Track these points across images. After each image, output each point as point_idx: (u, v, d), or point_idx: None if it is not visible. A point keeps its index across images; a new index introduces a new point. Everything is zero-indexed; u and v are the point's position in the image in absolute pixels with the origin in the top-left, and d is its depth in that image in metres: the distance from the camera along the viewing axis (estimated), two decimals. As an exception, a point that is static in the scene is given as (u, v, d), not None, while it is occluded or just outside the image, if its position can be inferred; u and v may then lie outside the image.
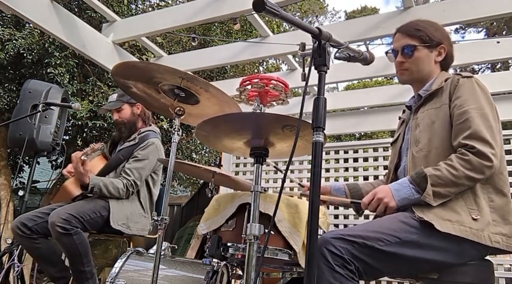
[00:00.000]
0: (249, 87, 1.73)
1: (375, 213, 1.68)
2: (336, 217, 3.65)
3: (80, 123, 4.94)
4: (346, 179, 3.83)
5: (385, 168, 3.40)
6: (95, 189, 2.34)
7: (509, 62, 11.17)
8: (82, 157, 2.22)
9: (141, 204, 2.59)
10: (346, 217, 3.63)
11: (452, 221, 1.32)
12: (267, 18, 4.94)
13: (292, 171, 3.97)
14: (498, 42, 3.10)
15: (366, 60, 1.31)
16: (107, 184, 2.40)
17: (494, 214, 1.37)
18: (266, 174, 4.02)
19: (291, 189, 3.88)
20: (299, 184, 1.86)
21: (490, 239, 1.32)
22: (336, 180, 4.12)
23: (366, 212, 1.81)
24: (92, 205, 2.39)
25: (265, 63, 8.18)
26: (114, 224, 2.39)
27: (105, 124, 4.95)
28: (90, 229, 2.41)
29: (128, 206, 2.50)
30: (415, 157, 1.49)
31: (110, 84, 5.24)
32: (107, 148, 2.81)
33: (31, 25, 4.79)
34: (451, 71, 1.71)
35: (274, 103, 1.81)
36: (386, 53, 1.70)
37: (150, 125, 2.79)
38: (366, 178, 3.71)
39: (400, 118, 1.82)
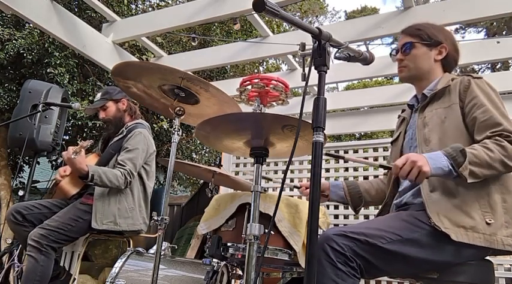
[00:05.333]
0: (249, 87, 1.73)
1: (377, 211, 1.70)
2: (336, 217, 3.65)
3: (80, 123, 4.94)
4: (346, 179, 3.83)
5: (385, 168, 3.40)
6: (95, 176, 2.32)
7: (509, 62, 11.17)
8: (72, 156, 2.22)
9: (133, 197, 2.56)
10: (346, 217, 3.63)
11: (466, 229, 1.31)
12: (267, 18, 4.94)
13: (292, 171, 3.97)
14: (498, 42, 3.11)
15: (366, 60, 1.31)
16: (105, 171, 2.39)
17: (507, 215, 1.36)
18: (266, 174, 4.01)
19: (291, 189, 3.88)
20: (294, 186, 1.86)
21: (503, 242, 1.31)
22: (336, 180, 4.12)
23: (365, 212, 1.81)
24: (71, 214, 2.39)
25: (265, 63, 8.17)
26: (97, 224, 2.37)
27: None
28: (77, 236, 2.42)
29: (116, 202, 2.46)
30: None
31: (110, 84, 5.24)
32: (99, 148, 2.80)
33: (31, 25, 4.79)
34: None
35: (274, 103, 1.80)
36: (391, 53, 1.72)
37: (138, 118, 2.79)
38: (366, 178, 3.70)
39: (399, 116, 1.82)
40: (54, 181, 2.71)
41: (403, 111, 1.81)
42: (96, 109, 2.70)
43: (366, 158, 3.66)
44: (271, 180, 1.97)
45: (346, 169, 3.78)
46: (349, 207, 1.83)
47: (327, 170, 3.79)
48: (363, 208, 1.87)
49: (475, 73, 1.58)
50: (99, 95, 2.72)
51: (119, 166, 2.47)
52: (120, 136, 2.64)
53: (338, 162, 3.78)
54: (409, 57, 1.63)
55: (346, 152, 3.78)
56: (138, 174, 2.60)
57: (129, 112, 2.76)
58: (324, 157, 1.06)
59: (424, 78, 1.64)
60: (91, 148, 3.20)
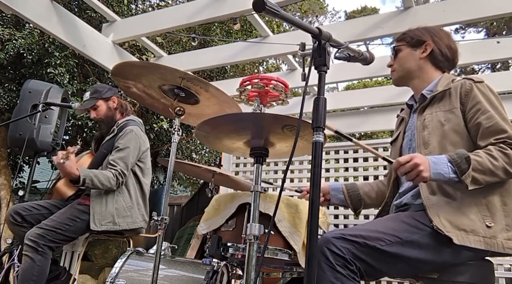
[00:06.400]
0: (249, 87, 1.74)
1: (378, 210, 1.70)
2: (336, 217, 3.65)
3: (80, 123, 4.94)
4: (346, 179, 3.83)
5: (385, 168, 3.40)
6: (86, 180, 2.31)
7: (509, 62, 11.17)
8: (61, 161, 2.21)
9: (130, 195, 2.54)
10: (346, 217, 3.63)
11: (467, 232, 1.31)
12: (267, 18, 4.94)
13: (292, 171, 3.97)
14: (498, 42, 3.10)
15: (366, 60, 1.31)
16: (97, 174, 2.37)
17: (508, 218, 1.36)
18: (266, 174, 4.01)
19: (290, 190, 3.88)
20: (296, 190, 1.86)
21: (503, 245, 1.32)
22: (336, 180, 4.12)
23: (366, 212, 1.81)
24: (69, 214, 2.38)
25: (265, 63, 8.18)
26: (96, 226, 2.36)
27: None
28: (74, 235, 2.42)
29: (113, 203, 2.45)
30: None
31: (110, 84, 5.24)
32: (92, 148, 2.78)
33: (31, 25, 4.79)
34: (451, 71, 1.71)
35: (274, 103, 1.81)
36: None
37: (129, 115, 2.75)
38: (366, 178, 3.70)
39: (398, 116, 1.82)
40: (54, 181, 2.71)
41: (401, 110, 1.81)
42: (86, 109, 2.67)
43: (366, 159, 3.66)
44: (271, 184, 1.96)
45: (346, 169, 3.77)
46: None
47: (327, 170, 3.78)
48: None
49: (476, 76, 1.57)
50: (88, 94, 2.67)
51: (110, 166, 2.45)
52: (111, 135, 2.61)
53: (338, 162, 3.77)
54: (396, 61, 1.69)
55: (346, 152, 3.78)
56: (132, 171, 2.58)
57: (120, 110, 2.73)
58: (324, 156, 1.06)
59: (414, 76, 1.66)
60: (88, 148, 3.20)
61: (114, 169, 2.43)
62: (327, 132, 1.10)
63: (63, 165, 2.22)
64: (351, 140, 1.31)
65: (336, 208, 3.58)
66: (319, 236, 1.10)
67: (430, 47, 1.63)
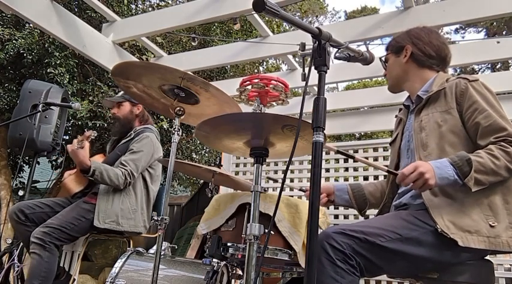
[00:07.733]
0: (249, 87, 1.74)
1: (377, 210, 1.69)
2: (336, 217, 3.65)
3: (80, 123, 4.93)
4: (346, 179, 3.83)
5: (385, 168, 3.39)
6: (96, 172, 2.34)
7: (509, 62, 11.18)
8: (76, 147, 2.24)
9: (136, 199, 2.56)
10: (346, 217, 3.63)
11: (471, 233, 1.31)
12: (267, 18, 4.94)
13: (292, 171, 3.97)
14: (498, 42, 3.10)
15: (366, 60, 1.31)
16: (107, 169, 2.40)
17: (511, 216, 1.36)
18: (266, 174, 4.01)
19: (291, 189, 3.88)
20: (300, 189, 1.86)
21: (508, 244, 1.31)
22: (336, 180, 4.12)
23: (367, 212, 1.82)
24: (75, 213, 2.40)
25: (265, 63, 8.17)
26: (100, 223, 2.38)
27: (105, 124, 4.95)
28: (78, 235, 2.43)
29: (119, 203, 2.48)
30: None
31: (110, 84, 5.24)
32: (107, 150, 2.83)
33: (31, 25, 4.79)
34: (450, 70, 1.71)
35: (274, 103, 1.81)
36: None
37: (147, 125, 2.81)
38: (366, 178, 3.71)
39: (396, 116, 1.82)
40: (54, 181, 2.71)
41: (400, 110, 1.81)
42: (113, 103, 2.75)
43: (367, 158, 3.66)
44: (276, 181, 1.97)
45: (346, 169, 3.77)
46: (350, 208, 1.83)
47: (327, 170, 3.79)
48: (365, 209, 1.86)
49: (471, 75, 1.57)
50: (121, 93, 2.77)
51: (121, 166, 2.49)
52: (128, 139, 2.67)
53: (338, 162, 3.77)
54: (387, 70, 1.75)
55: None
56: (142, 176, 2.62)
57: (140, 119, 2.79)
58: (324, 156, 1.06)
59: (404, 81, 1.69)
60: (97, 146, 3.21)
61: (124, 169, 2.47)
62: (327, 132, 1.10)
63: (76, 151, 2.26)
64: (353, 158, 1.34)
65: (336, 208, 3.58)
66: (320, 231, 1.10)
67: (409, 50, 1.65)
